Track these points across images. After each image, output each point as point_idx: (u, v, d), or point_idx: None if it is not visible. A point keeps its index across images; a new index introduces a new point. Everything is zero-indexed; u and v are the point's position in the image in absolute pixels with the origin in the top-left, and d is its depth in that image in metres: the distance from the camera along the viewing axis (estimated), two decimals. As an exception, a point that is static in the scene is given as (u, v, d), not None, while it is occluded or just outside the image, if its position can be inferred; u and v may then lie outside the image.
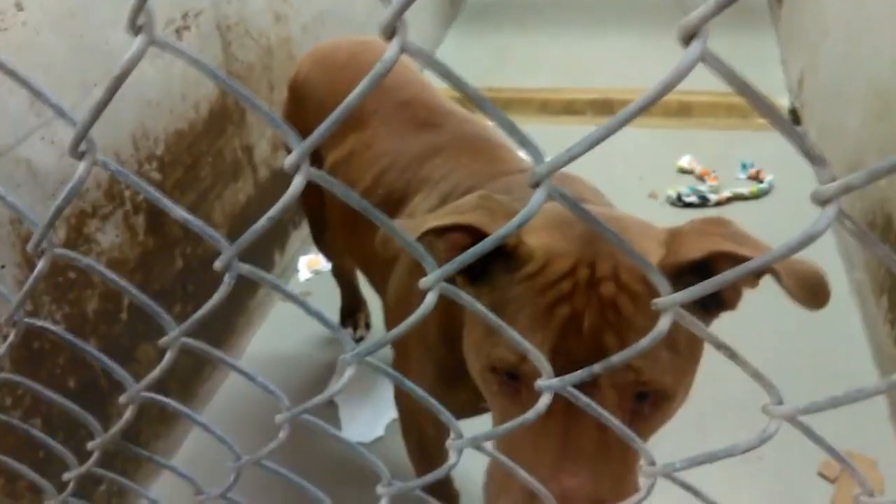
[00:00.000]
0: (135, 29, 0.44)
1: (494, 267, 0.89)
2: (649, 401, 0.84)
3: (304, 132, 0.47)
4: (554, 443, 0.80)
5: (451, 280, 0.52)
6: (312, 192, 1.74)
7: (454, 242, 0.89)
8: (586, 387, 0.80)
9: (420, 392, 0.63)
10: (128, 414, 0.68)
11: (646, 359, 0.79)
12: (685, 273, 0.82)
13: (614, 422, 0.59)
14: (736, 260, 0.77)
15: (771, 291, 2.44)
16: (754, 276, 0.82)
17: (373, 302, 2.32)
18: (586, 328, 0.80)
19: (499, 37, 4.28)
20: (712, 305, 0.89)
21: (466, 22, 4.54)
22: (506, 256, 0.88)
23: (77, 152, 0.49)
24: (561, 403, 0.79)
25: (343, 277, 2.26)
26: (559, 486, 0.77)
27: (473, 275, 0.91)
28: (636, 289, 0.83)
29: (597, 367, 0.53)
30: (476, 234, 0.86)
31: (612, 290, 0.82)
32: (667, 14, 4.26)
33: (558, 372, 0.80)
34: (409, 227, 0.86)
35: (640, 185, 2.86)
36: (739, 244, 0.78)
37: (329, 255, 2.16)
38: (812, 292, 0.72)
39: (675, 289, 0.81)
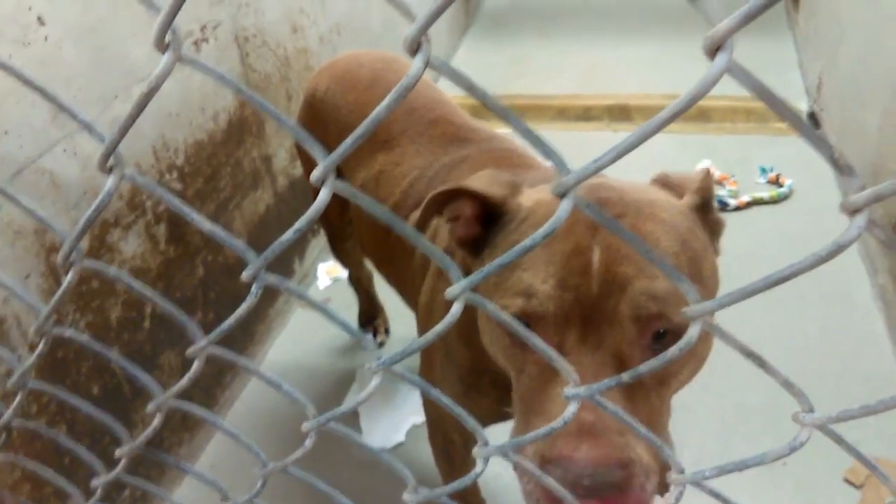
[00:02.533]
0: (162, 46, 0.44)
1: (493, 233, 0.94)
2: (666, 340, 0.81)
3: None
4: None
5: (465, 269, 0.53)
6: (330, 205, 1.75)
7: (460, 213, 0.95)
8: (604, 318, 0.79)
9: (445, 400, 0.63)
10: (156, 421, 0.69)
11: (671, 285, 0.79)
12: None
13: (633, 423, 0.59)
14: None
15: (794, 296, 2.41)
16: None
17: (390, 308, 2.32)
18: (598, 262, 0.80)
19: (514, 45, 4.29)
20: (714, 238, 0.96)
21: (480, 30, 4.55)
22: (500, 218, 0.92)
23: (106, 167, 0.50)
24: (574, 339, 0.80)
25: (360, 285, 2.28)
26: (577, 421, 0.74)
27: (477, 249, 0.96)
28: (664, 216, 0.85)
29: (640, 369, 0.52)
30: (476, 204, 0.94)
31: (630, 222, 0.83)
32: (683, 21, 4.24)
33: (569, 307, 0.80)
34: (415, 214, 0.94)
35: (658, 190, 2.84)
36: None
37: (346, 264, 2.17)
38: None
39: (698, 223, 0.90)
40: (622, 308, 0.79)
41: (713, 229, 0.94)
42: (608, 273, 0.80)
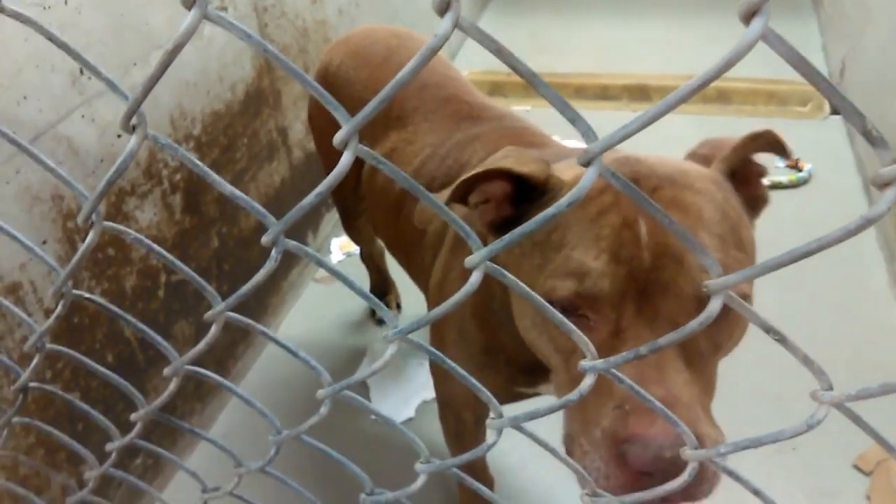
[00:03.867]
0: (188, 3, 0.44)
1: (528, 212, 0.91)
2: (723, 309, 0.81)
3: (335, 124, 0.46)
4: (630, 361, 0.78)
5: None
6: (344, 180, 1.75)
7: (489, 196, 0.92)
8: (658, 291, 0.78)
9: (460, 370, 0.63)
10: (172, 386, 0.69)
11: (721, 253, 0.79)
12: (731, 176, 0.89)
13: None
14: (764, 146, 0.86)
15: (810, 282, 2.39)
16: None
17: (402, 284, 2.32)
18: (646, 233, 0.79)
19: (533, 21, 4.25)
20: (751, 210, 0.92)
21: (501, 6, 4.51)
22: (539, 196, 0.90)
23: (129, 126, 0.49)
24: (631, 314, 0.79)
25: (372, 262, 2.28)
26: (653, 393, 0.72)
27: (507, 229, 0.93)
28: (699, 186, 0.83)
29: (662, 341, 0.52)
30: (510, 184, 0.91)
31: (671, 193, 0.82)
32: (700, 1, 4.19)
33: (624, 282, 0.78)
34: (443, 194, 0.89)
35: (675, 172, 2.82)
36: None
37: (358, 241, 2.17)
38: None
39: (731, 191, 0.87)
40: (681, 283, 0.77)
41: (752, 203, 0.91)
42: (658, 245, 0.78)
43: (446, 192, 0.89)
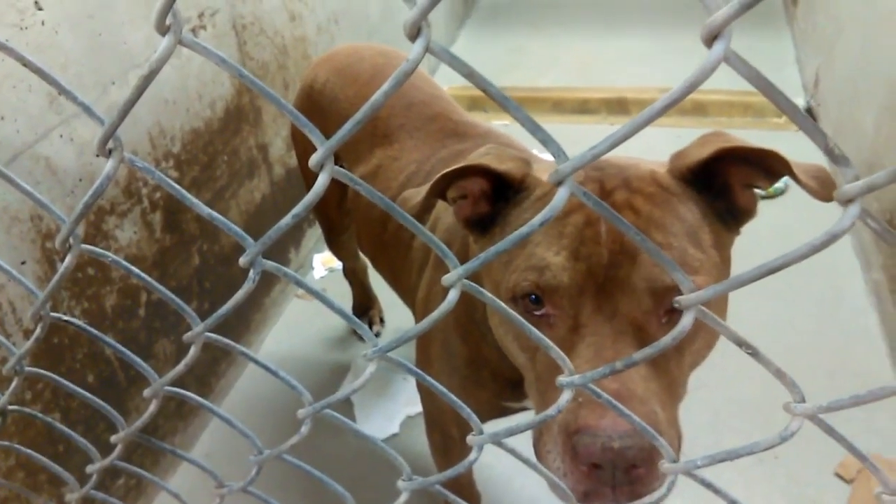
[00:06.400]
0: (162, 29, 0.44)
1: (504, 210, 0.93)
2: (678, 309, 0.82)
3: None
4: (588, 354, 0.78)
5: (462, 257, 0.53)
6: (327, 196, 1.76)
7: (467, 192, 0.94)
8: (617, 287, 0.80)
9: (440, 387, 0.63)
10: (152, 407, 0.69)
11: (672, 251, 0.81)
12: (693, 181, 0.87)
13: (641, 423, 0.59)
14: (743, 157, 0.82)
15: (788, 291, 2.41)
16: (767, 179, 0.85)
17: (385, 299, 2.32)
18: (605, 232, 0.81)
19: (512, 36, 4.28)
20: (732, 219, 0.91)
21: (479, 21, 4.54)
22: (515, 195, 0.92)
23: (105, 150, 0.50)
24: (589, 309, 0.80)
25: (355, 277, 2.28)
26: (602, 391, 0.73)
27: (484, 227, 0.96)
28: (649, 190, 0.85)
29: (643, 353, 0.53)
30: (488, 182, 0.93)
31: (625, 195, 0.85)
32: (680, 14, 4.25)
33: (582, 277, 0.80)
34: (422, 189, 0.92)
35: (654, 184, 2.84)
36: (742, 144, 0.82)
37: (342, 257, 2.17)
38: (822, 181, 0.77)
39: (687, 195, 0.86)
40: (636, 280, 0.79)
41: (732, 212, 0.90)
42: (615, 242, 0.81)
43: (425, 188, 0.91)
